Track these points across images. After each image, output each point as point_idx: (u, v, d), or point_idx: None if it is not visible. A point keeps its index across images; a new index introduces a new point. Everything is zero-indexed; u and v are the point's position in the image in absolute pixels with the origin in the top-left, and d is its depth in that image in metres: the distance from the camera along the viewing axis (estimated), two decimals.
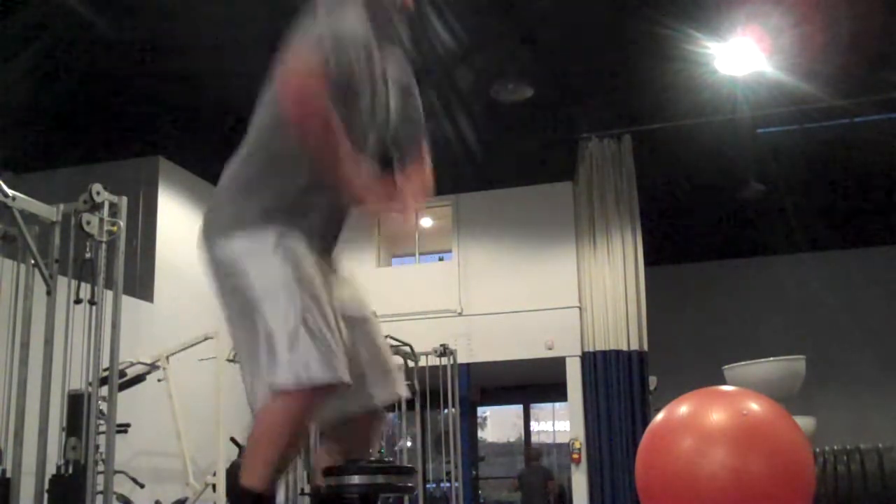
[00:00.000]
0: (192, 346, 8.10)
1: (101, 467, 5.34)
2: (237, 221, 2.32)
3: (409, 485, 2.36)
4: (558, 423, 16.37)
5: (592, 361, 10.85)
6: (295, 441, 2.21)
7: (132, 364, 7.58)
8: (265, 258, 2.25)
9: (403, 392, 2.54)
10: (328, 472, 2.33)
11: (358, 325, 2.47)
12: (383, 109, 2.52)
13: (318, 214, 2.36)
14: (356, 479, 2.27)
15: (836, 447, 7.29)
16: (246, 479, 2.21)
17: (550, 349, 11.22)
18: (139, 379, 7.77)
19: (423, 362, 10.25)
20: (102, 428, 5.57)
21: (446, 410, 10.66)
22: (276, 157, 2.34)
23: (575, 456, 10.77)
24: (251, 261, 2.27)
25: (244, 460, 2.24)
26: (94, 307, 5.20)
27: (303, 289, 2.21)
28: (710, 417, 4.12)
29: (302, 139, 2.24)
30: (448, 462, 10.88)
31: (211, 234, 2.39)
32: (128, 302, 6.00)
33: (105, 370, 5.38)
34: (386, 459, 2.32)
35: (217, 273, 2.39)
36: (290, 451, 2.23)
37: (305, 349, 2.13)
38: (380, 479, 2.25)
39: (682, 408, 4.32)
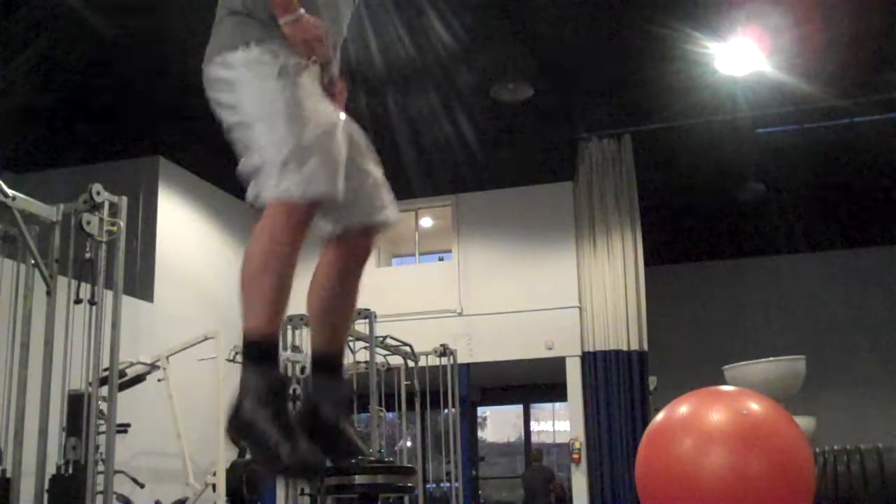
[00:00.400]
0: (192, 346, 8.10)
1: (101, 467, 5.34)
2: (239, 36, 2.31)
3: (409, 485, 2.36)
4: (558, 423, 16.37)
5: (592, 361, 10.85)
6: (289, 265, 2.13)
7: (132, 364, 7.57)
8: (265, 81, 2.23)
9: (396, 216, 2.49)
10: (329, 472, 2.32)
11: (357, 151, 2.44)
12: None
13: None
14: (357, 479, 2.27)
15: (836, 447, 7.29)
16: (248, 323, 2.11)
17: (550, 349, 11.22)
18: (139, 379, 7.77)
19: (423, 362, 10.25)
20: (102, 428, 5.57)
21: (446, 410, 10.65)
22: None
23: (575, 456, 10.78)
24: (251, 81, 2.26)
25: (241, 305, 2.14)
26: (94, 307, 5.20)
27: (303, 111, 2.19)
28: (710, 417, 4.12)
29: None
30: (448, 462, 10.88)
31: (214, 50, 2.38)
32: (128, 302, 6.01)
33: (105, 370, 5.38)
34: (386, 459, 2.28)
35: (218, 88, 2.36)
36: (285, 277, 2.13)
37: (298, 165, 2.10)
38: (380, 478, 2.24)
39: (682, 408, 4.32)
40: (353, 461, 2.30)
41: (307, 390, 2.40)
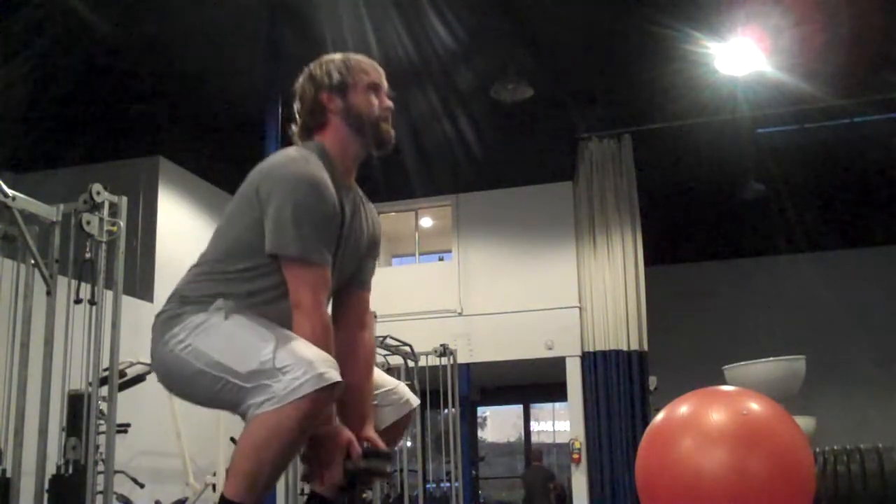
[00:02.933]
0: None
1: (101, 467, 5.34)
2: (186, 313, 2.26)
3: (389, 470, 2.38)
4: (558, 423, 16.38)
5: (592, 361, 10.85)
6: (290, 455, 2.10)
7: (132, 364, 7.56)
8: (216, 325, 2.19)
9: (415, 401, 2.59)
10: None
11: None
12: (353, 258, 2.53)
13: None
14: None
15: (836, 447, 7.28)
16: (230, 491, 2.06)
17: (550, 349, 11.22)
18: (139, 379, 7.76)
19: (423, 362, 10.25)
20: (102, 428, 5.57)
21: (446, 410, 10.66)
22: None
23: (575, 456, 10.78)
24: (203, 336, 2.19)
25: (230, 468, 2.10)
26: (94, 307, 5.20)
27: (264, 326, 2.17)
28: (710, 417, 4.12)
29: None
30: (448, 462, 10.88)
31: (158, 335, 2.30)
32: (128, 302, 6.00)
33: (105, 370, 5.38)
34: (364, 445, 2.27)
35: (172, 370, 2.27)
36: (283, 464, 2.09)
37: (292, 364, 2.05)
38: (361, 463, 2.25)
39: (682, 408, 4.31)
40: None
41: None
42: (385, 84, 2.50)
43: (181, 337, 2.22)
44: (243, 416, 2.12)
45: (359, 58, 2.50)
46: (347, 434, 2.23)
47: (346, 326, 2.49)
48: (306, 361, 2.05)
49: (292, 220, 2.19)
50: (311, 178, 2.23)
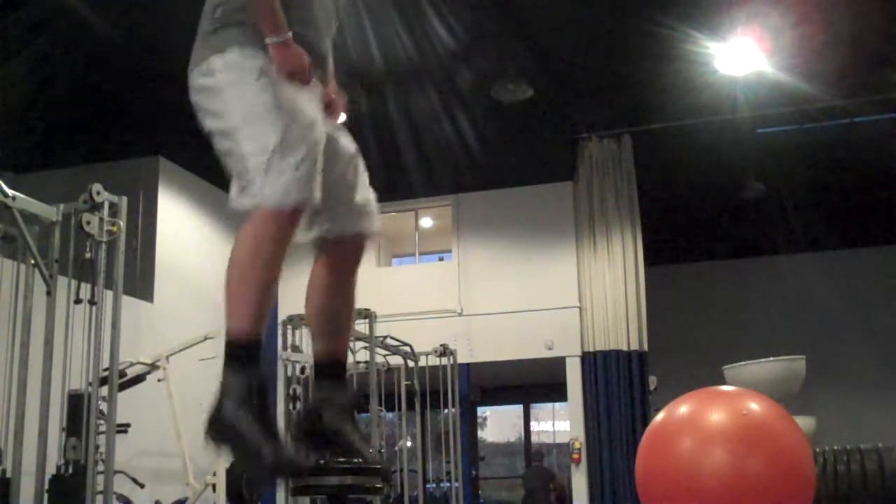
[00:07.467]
0: (192, 346, 8.10)
1: (101, 467, 5.34)
2: (219, 42, 2.29)
3: (378, 486, 2.37)
4: (558, 423, 16.37)
5: (592, 361, 10.85)
6: (273, 270, 2.13)
7: (132, 364, 7.57)
8: (245, 85, 2.22)
9: (376, 226, 2.51)
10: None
11: (343, 161, 2.45)
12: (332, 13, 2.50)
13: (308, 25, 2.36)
14: (326, 480, 2.28)
15: (836, 447, 7.29)
16: (231, 324, 2.11)
17: (550, 349, 11.22)
18: (139, 379, 7.77)
19: (423, 362, 10.25)
20: (102, 428, 5.57)
21: (446, 410, 10.65)
22: None
23: (575, 456, 10.77)
24: (231, 86, 2.24)
25: (225, 307, 2.14)
26: (94, 307, 5.20)
27: (283, 112, 2.18)
28: (710, 417, 4.12)
29: None
30: (448, 462, 10.87)
31: (195, 58, 2.35)
32: (128, 302, 6.00)
33: (105, 370, 5.38)
34: (355, 460, 2.27)
35: (200, 96, 2.32)
36: (270, 281, 2.13)
37: (279, 171, 2.10)
38: (349, 479, 2.25)
39: (682, 408, 4.32)
40: (327, 462, 2.31)
41: (309, 394, 2.41)
42: None
43: (218, 72, 2.26)
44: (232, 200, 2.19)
45: None
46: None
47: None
48: (294, 170, 2.10)
49: None
50: None
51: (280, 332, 7.83)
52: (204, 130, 2.32)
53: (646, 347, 10.79)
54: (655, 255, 12.25)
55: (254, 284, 2.12)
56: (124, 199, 5.34)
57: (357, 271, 2.47)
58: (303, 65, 2.25)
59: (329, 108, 2.47)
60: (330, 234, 2.41)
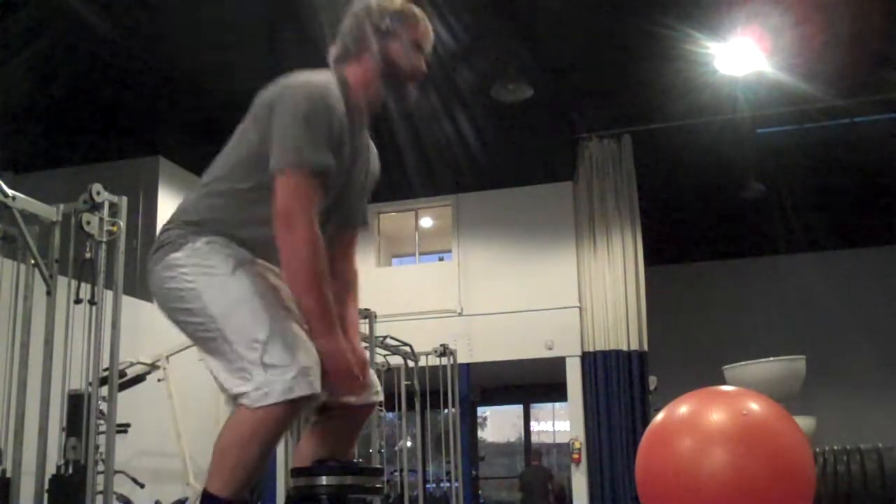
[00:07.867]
0: (193, 346, 8.08)
1: (101, 467, 5.34)
2: (184, 237, 2.30)
3: (377, 486, 2.36)
4: (558, 423, 16.37)
5: (592, 361, 10.85)
6: (266, 454, 2.12)
7: (132, 364, 7.57)
8: (222, 277, 2.19)
9: (380, 398, 2.49)
10: (297, 472, 2.32)
11: None
12: (359, 187, 2.51)
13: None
14: (325, 480, 2.27)
15: (836, 447, 7.29)
16: (212, 486, 2.11)
17: (550, 349, 11.22)
18: (139, 379, 7.77)
19: (423, 362, 10.25)
20: (102, 428, 5.56)
21: (446, 410, 10.66)
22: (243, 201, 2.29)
23: (575, 456, 10.78)
24: (207, 281, 2.20)
25: (210, 465, 2.13)
26: (94, 307, 5.20)
27: (266, 301, 2.15)
28: (710, 417, 4.12)
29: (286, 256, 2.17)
30: (448, 462, 10.88)
31: (156, 259, 2.34)
32: (128, 302, 5.99)
33: (105, 370, 5.38)
34: (355, 461, 2.26)
35: (168, 297, 2.31)
36: (261, 463, 2.11)
37: (276, 364, 2.06)
38: (348, 480, 2.24)
39: (682, 408, 4.31)
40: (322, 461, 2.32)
41: None
42: (428, 48, 2.48)
43: (186, 268, 2.24)
44: (221, 388, 2.16)
45: (415, 12, 2.48)
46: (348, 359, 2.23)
47: (333, 258, 2.44)
48: (294, 366, 2.06)
49: (296, 128, 2.16)
50: (323, 96, 2.22)
51: None
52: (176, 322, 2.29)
53: (646, 347, 10.79)
54: (655, 255, 12.25)
55: (245, 463, 2.10)
56: (124, 199, 5.34)
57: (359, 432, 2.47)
58: (350, 368, 2.20)
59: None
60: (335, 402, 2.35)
